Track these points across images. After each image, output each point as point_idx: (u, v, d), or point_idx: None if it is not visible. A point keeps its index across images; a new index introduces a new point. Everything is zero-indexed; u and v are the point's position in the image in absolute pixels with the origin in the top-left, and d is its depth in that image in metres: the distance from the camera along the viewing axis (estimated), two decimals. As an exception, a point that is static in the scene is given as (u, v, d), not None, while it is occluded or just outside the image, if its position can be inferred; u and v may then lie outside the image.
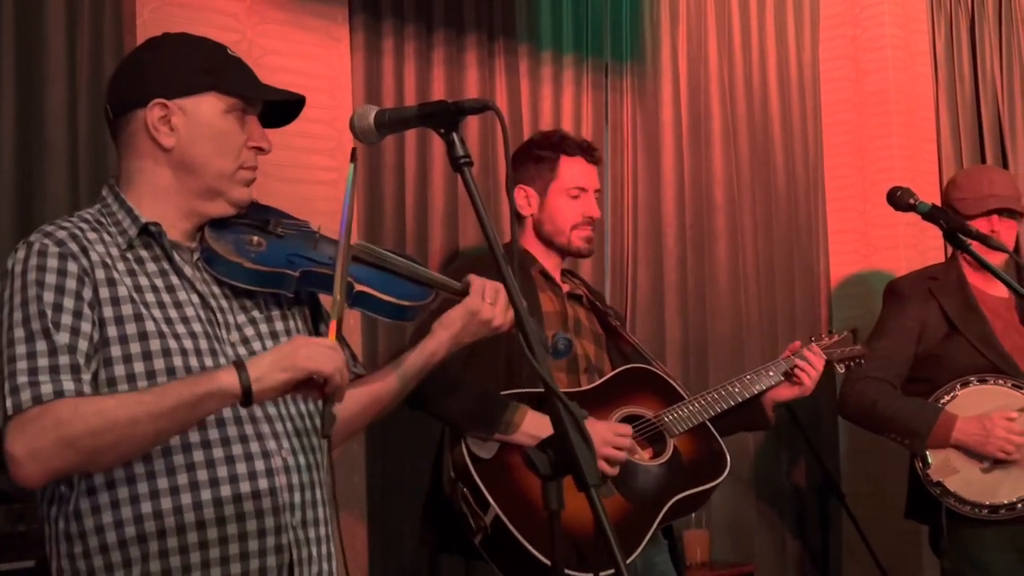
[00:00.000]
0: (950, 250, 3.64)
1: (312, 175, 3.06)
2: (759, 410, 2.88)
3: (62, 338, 1.62)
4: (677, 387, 2.82)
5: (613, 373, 2.78)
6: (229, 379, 1.58)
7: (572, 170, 2.83)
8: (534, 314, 2.69)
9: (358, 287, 1.84)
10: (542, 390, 2.58)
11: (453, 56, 3.44)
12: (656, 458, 2.68)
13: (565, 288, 2.86)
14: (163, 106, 1.76)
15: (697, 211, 4.00)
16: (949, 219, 2.71)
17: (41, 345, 1.61)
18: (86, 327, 1.64)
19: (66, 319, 1.63)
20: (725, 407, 2.79)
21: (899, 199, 2.77)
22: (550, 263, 2.85)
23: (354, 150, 1.81)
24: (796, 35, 4.43)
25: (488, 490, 2.43)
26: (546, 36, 3.68)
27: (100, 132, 2.71)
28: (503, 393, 2.55)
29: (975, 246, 2.66)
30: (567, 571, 2.36)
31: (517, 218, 2.85)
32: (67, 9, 2.70)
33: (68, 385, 1.60)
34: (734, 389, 2.83)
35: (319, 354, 1.61)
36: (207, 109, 1.78)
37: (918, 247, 4.32)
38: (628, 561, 2.49)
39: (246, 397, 1.58)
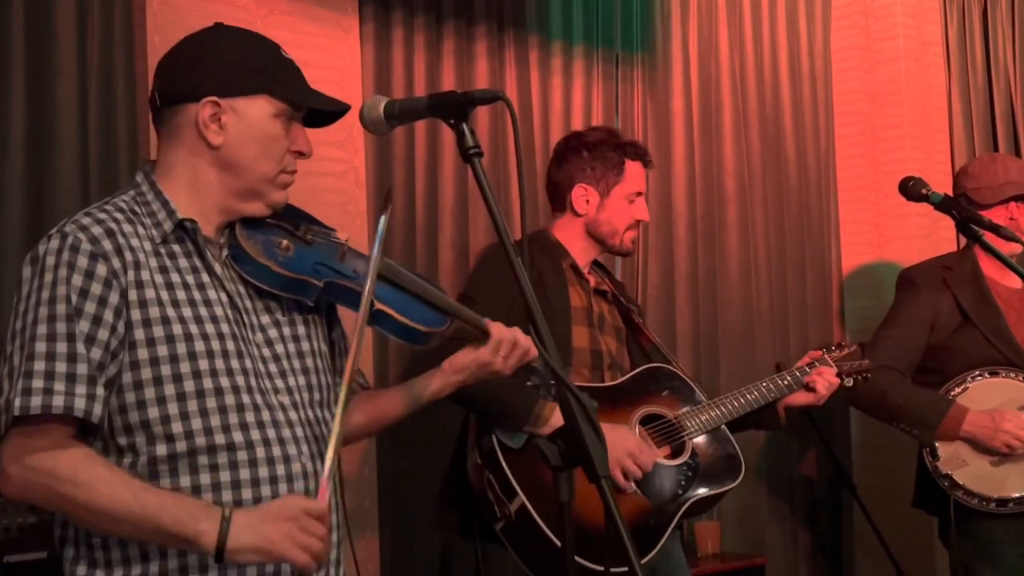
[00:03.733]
0: (963, 240, 3.62)
1: (321, 167, 3.05)
2: (772, 413, 2.92)
3: (80, 345, 1.62)
4: (696, 388, 2.85)
5: (635, 372, 2.80)
6: (208, 536, 1.57)
7: (634, 174, 2.85)
8: (563, 307, 2.72)
9: (378, 305, 1.84)
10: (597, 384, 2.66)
11: (463, 47, 3.43)
12: (675, 458, 2.71)
13: (592, 282, 2.87)
14: (215, 104, 1.75)
15: (708, 202, 3.99)
16: (962, 209, 2.70)
17: (62, 347, 1.62)
18: (103, 334, 1.64)
19: (84, 325, 1.63)
20: (744, 413, 2.84)
21: (911, 189, 2.76)
22: (584, 258, 2.86)
23: (389, 191, 1.81)
24: (807, 25, 4.41)
25: (516, 479, 2.45)
26: (556, 26, 3.67)
27: (110, 124, 2.71)
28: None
29: (988, 236, 2.65)
30: (580, 561, 2.37)
31: (572, 213, 2.84)
32: (77, 0, 2.70)
33: (79, 403, 1.60)
34: (751, 396, 2.86)
35: (297, 543, 1.58)
36: (258, 111, 1.77)
37: (930, 238, 4.30)
38: (646, 560, 2.52)
39: (218, 556, 1.57)
